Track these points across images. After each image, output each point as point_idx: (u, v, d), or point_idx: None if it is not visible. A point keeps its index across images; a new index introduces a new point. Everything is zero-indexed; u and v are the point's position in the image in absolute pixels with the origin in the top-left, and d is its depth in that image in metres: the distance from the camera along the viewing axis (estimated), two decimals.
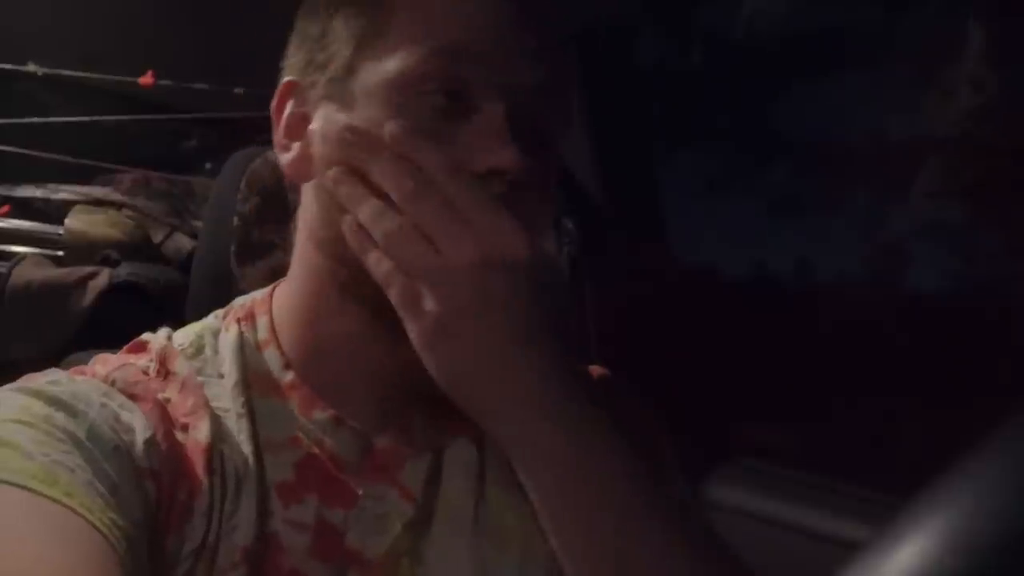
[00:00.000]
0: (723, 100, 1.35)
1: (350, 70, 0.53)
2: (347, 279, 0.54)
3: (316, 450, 0.54)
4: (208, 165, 1.48)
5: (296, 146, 0.56)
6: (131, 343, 0.58)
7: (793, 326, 1.17)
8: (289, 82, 0.56)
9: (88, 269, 1.23)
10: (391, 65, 0.51)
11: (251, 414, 0.54)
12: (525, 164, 0.50)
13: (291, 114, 0.56)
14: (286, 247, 0.76)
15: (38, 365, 0.54)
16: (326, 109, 0.54)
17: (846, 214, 1.19)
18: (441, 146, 0.50)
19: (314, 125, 0.55)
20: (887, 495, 0.94)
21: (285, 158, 0.56)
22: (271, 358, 0.56)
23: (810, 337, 1.13)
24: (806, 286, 1.23)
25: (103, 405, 0.49)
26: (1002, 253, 1.04)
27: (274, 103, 0.57)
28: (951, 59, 1.00)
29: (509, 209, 0.49)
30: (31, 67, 1.37)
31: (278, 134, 0.57)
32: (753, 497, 1.06)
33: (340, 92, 0.53)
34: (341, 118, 0.53)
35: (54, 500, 0.42)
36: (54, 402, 0.47)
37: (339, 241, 0.53)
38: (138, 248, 1.29)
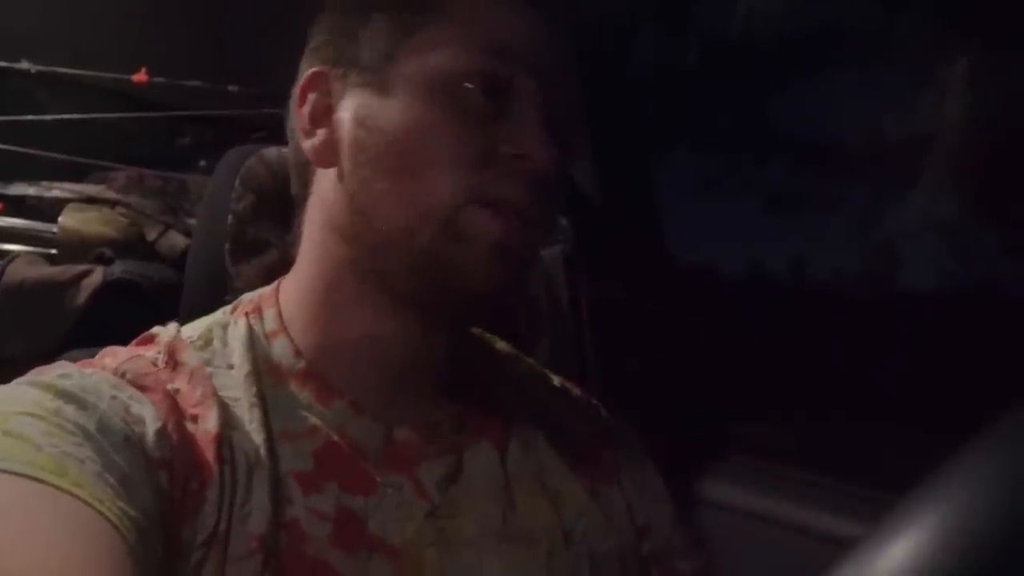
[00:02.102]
0: (719, 99, 1.35)
1: (389, 59, 0.54)
2: (372, 266, 0.54)
3: (336, 438, 0.55)
4: (202, 163, 1.47)
5: (321, 132, 0.57)
6: (140, 336, 0.58)
7: (791, 324, 1.17)
8: (316, 72, 0.57)
9: (82, 267, 1.22)
10: (435, 59, 0.53)
11: (263, 403, 0.54)
12: (555, 161, 0.52)
13: (315, 103, 0.57)
14: (281, 245, 0.76)
15: (32, 363, 0.54)
16: (360, 96, 0.55)
17: (843, 213, 1.19)
18: (476, 134, 0.52)
19: (344, 113, 0.55)
20: (885, 493, 0.94)
21: (308, 144, 0.57)
22: (281, 347, 0.57)
23: (808, 335, 1.13)
24: (803, 284, 1.23)
25: (113, 397, 0.49)
26: (997, 252, 1.04)
27: (296, 91, 0.58)
28: (946, 58, 1.00)
29: (532, 202, 0.53)
30: (24, 64, 1.36)
31: (300, 121, 0.58)
32: (752, 496, 1.05)
33: (377, 80, 0.54)
34: (376, 104, 0.54)
35: (64, 491, 0.42)
36: (64, 395, 0.47)
37: (366, 227, 0.54)
38: (132, 246, 1.29)
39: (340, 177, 0.56)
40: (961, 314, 1.03)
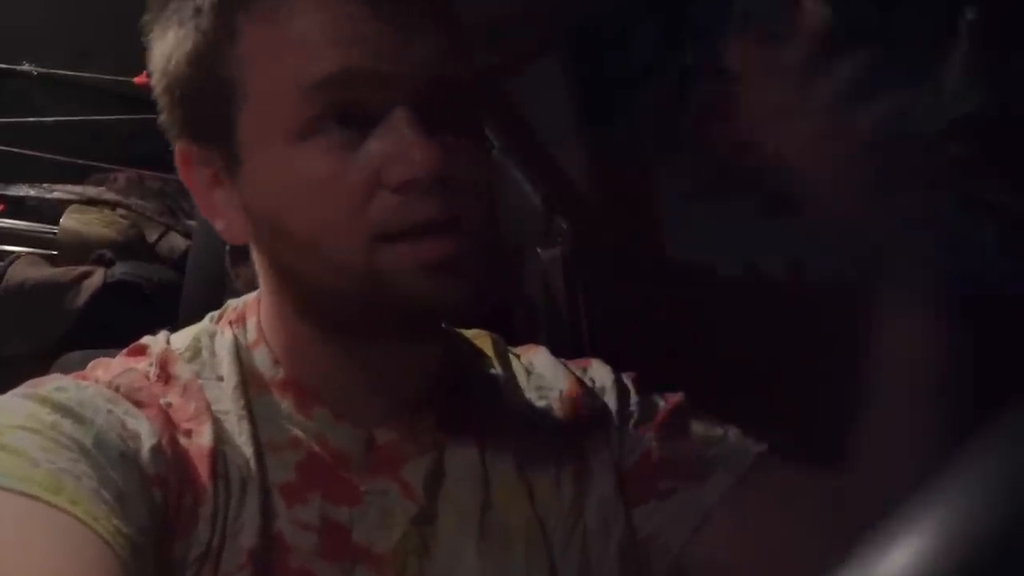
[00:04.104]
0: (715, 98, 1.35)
1: (230, 128, 0.50)
2: (317, 312, 0.54)
3: (317, 448, 0.54)
4: None
5: (224, 215, 0.54)
6: (130, 347, 0.58)
7: (788, 323, 1.17)
8: (181, 150, 0.54)
9: (82, 268, 1.22)
10: (275, 116, 0.49)
11: (251, 416, 0.54)
12: (441, 157, 0.47)
13: (201, 179, 0.54)
14: None
15: (32, 363, 0.54)
16: (230, 183, 0.52)
17: (840, 212, 1.19)
18: (352, 172, 0.48)
19: (228, 192, 0.53)
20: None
21: (218, 226, 0.54)
22: (261, 356, 0.56)
23: (804, 334, 1.13)
24: (801, 284, 1.23)
25: (109, 412, 0.49)
26: (996, 251, 1.04)
27: (179, 168, 0.55)
28: (943, 56, 1.00)
29: (439, 203, 0.48)
30: (26, 66, 1.37)
31: (198, 199, 0.55)
32: None
33: (234, 162, 0.51)
34: (246, 189, 0.51)
35: (59, 508, 0.42)
36: (61, 409, 0.47)
37: (295, 286, 0.53)
38: (132, 247, 1.29)
39: (258, 248, 0.55)
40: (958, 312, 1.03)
